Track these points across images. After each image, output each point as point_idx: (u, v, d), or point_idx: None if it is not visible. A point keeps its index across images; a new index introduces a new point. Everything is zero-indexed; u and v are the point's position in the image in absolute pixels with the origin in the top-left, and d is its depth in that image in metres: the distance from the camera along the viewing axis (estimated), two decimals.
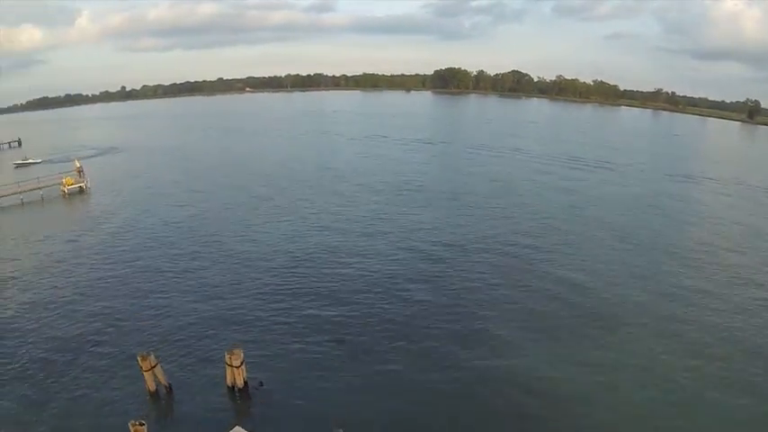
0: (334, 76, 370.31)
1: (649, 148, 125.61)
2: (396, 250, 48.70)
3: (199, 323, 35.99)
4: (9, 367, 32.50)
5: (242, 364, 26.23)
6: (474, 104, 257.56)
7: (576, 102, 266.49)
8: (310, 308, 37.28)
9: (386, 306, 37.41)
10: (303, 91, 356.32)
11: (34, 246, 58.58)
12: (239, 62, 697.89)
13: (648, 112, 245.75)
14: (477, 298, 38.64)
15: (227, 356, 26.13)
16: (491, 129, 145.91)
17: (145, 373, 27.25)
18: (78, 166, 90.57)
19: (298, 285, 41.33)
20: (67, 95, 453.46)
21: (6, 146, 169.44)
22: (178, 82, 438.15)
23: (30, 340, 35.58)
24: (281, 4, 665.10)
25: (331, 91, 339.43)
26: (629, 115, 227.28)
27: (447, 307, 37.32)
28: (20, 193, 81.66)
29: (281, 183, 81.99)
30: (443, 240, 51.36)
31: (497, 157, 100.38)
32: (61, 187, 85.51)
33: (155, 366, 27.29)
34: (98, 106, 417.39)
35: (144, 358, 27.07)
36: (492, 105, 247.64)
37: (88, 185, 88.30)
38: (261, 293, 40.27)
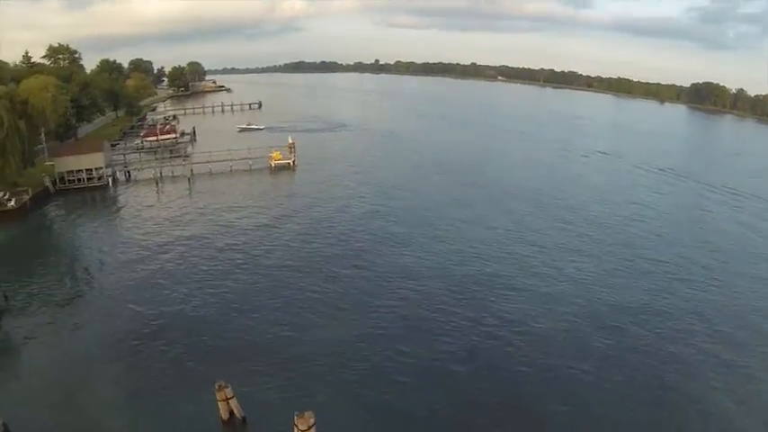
0: (588, 76, 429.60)
1: None
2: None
3: (300, 353, 38.83)
4: (103, 345, 41.18)
5: (309, 429, 27.34)
6: (727, 128, 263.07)
7: None
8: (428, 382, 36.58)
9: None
10: (555, 88, 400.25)
11: (210, 216, 73.49)
12: (493, 49, 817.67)
13: None
14: None
15: (295, 418, 27.76)
16: (738, 164, 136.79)
17: (219, 402, 31.23)
18: (291, 142, 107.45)
19: (429, 344, 40.91)
20: (323, 62, 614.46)
21: (248, 107, 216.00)
22: (431, 61, 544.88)
23: (134, 323, 44.21)
24: None
25: (582, 91, 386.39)
26: None
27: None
28: (230, 161, 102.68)
29: (487, 193, 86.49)
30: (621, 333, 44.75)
31: (736, 208, 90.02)
32: (269, 161, 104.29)
33: (230, 398, 31.20)
34: (350, 75, 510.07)
35: (220, 389, 31.03)
36: (747, 132, 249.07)
37: (296, 163, 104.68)
38: (385, 339, 41.28)
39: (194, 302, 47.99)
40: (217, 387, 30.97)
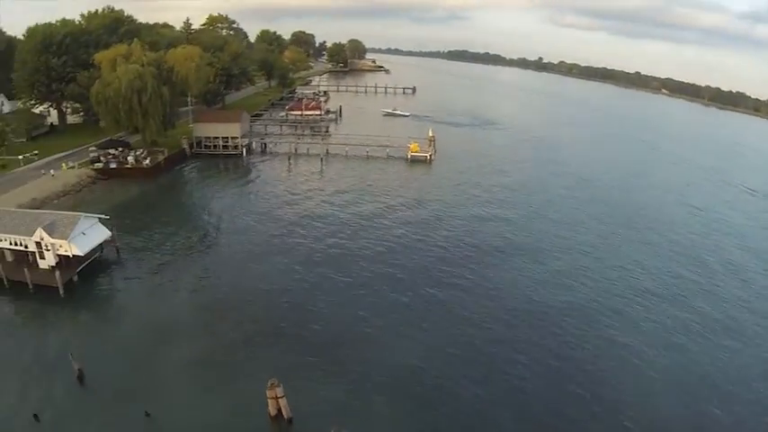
0: (756, 99, 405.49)
1: None
2: None
3: (367, 363, 39.50)
4: (190, 310, 45.47)
5: None
6: None
7: None
8: None
9: None
10: (720, 108, 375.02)
11: (331, 200, 76.92)
12: (660, 59, 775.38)
13: None
14: None
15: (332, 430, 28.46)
16: None
17: (269, 399, 33.05)
18: (431, 135, 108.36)
19: (500, 381, 39.30)
20: (486, 53, 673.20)
21: (401, 91, 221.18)
22: (595, 65, 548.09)
23: (224, 294, 47.93)
24: (712, 6, 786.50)
25: (748, 116, 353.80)
26: None
27: None
28: (367, 146, 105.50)
29: (619, 217, 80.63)
30: None
31: None
32: (406, 152, 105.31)
33: (280, 397, 32.82)
34: (512, 70, 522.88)
35: (272, 387, 32.82)
36: None
37: (433, 157, 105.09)
38: (458, 366, 40.38)
39: (286, 285, 51.09)
40: (269, 385, 32.77)
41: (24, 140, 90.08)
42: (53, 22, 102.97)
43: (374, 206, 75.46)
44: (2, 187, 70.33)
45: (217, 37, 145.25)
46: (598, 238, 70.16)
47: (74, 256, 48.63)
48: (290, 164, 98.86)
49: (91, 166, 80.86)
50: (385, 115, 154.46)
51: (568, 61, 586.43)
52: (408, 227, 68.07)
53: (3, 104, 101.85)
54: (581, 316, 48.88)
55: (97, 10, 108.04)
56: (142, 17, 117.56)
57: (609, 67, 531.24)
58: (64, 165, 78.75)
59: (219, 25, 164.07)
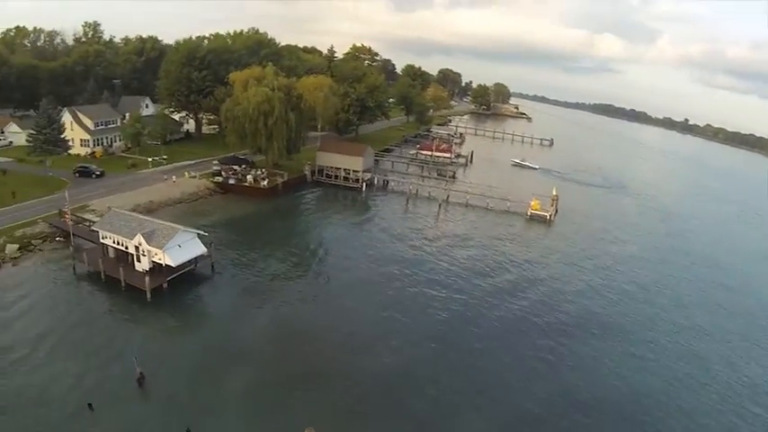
0: None
1: None
2: None
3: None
4: (263, 337, 45.01)
5: None
6: None
7: None
8: None
9: None
10: None
11: (438, 248, 76.27)
12: None
13: None
14: None
15: None
16: None
17: None
18: (554, 194, 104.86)
19: None
20: (632, 110, 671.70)
21: (538, 142, 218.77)
22: (743, 131, 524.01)
23: (300, 325, 47.27)
24: None
25: None
26: None
27: None
28: (488, 197, 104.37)
29: (742, 314, 70.76)
30: None
31: None
32: (527, 208, 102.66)
33: None
34: (655, 130, 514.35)
35: None
36: None
37: (553, 217, 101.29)
38: None
39: (366, 329, 51.68)
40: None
41: (159, 143, 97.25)
42: (206, 35, 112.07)
43: (479, 264, 73.91)
44: (127, 185, 77.26)
45: (356, 68, 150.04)
46: (706, 332, 63.55)
47: (166, 265, 52.22)
48: (407, 205, 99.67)
49: (211, 179, 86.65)
50: (513, 165, 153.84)
51: (715, 124, 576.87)
52: (507, 292, 65.87)
53: (147, 106, 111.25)
54: (662, 425, 44.53)
55: (243, 30, 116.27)
56: (300, 40, 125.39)
57: (757, 134, 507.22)
58: (186, 173, 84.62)
59: (362, 56, 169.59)
